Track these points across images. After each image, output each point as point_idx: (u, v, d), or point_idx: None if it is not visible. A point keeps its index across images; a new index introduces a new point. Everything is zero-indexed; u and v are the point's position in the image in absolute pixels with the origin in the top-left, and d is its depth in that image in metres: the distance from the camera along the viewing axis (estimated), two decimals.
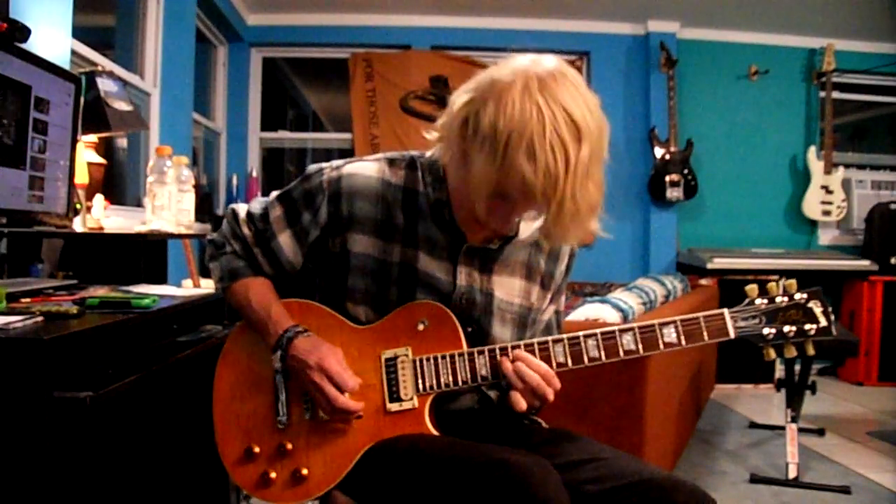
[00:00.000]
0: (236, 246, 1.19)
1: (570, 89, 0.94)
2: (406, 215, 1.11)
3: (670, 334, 1.02)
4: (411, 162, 1.14)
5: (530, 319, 1.16)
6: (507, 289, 1.14)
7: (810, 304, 1.02)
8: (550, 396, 1.03)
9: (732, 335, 1.02)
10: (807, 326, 1.01)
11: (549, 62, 0.96)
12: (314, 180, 1.13)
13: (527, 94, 0.91)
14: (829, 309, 1.02)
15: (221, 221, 1.24)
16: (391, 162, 1.14)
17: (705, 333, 1.02)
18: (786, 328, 1.02)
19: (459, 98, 0.99)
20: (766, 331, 1.02)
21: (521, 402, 1.02)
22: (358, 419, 1.06)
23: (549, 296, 1.20)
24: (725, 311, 1.02)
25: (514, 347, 1.04)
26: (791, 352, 1.03)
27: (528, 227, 1.16)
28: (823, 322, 1.01)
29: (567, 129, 0.91)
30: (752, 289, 1.04)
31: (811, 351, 1.01)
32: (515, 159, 0.90)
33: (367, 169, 1.13)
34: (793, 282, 1.02)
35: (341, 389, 1.03)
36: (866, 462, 2.77)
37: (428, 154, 1.14)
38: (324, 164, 1.15)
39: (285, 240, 1.16)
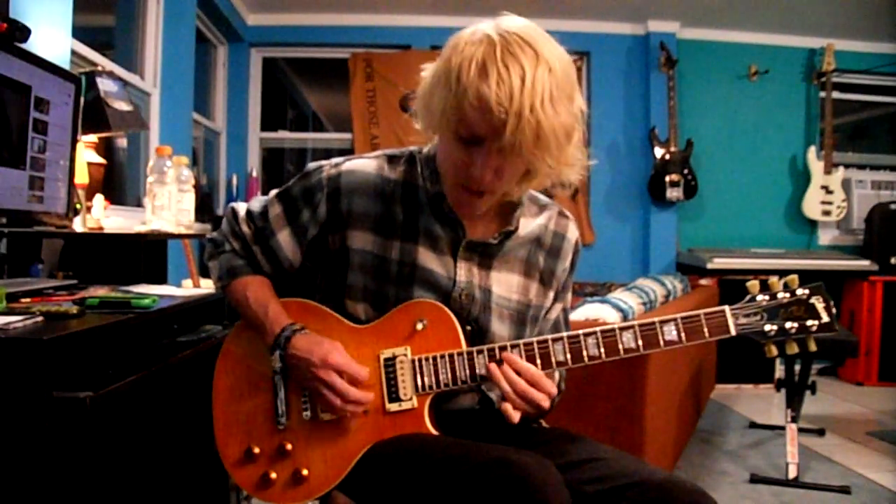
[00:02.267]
0: (235, 244, 1.19)
1: (532, 30, 0.96)
2: (406, 210, 1.11)
3: (671, 332, 1.01)
4: (410, 157, 1.15)
5: (529, 316, 1.16)
6: (506, 285, 1.14)
7: (812, 300, 1.00)
8: (544, 403, 1.01)
9: (734, 332, 1.00)
10: (809, 322, 1.00)
11: (512, 17, 0.98)
12: (313, 178, 1.14)
13: (480, 33, 0.96)
14: (832, 304, 1.00)
15: (221, 221, 1.24)
16: (390, 158, 1.15)
17: (706, 330, 1.00)
18: (787, 324, 1.00)
19: (427, 66, 1.03)
20: (767, 327, 1.01)
21: (510, 413, 1.00)
22: (364, 413, 1.06)
23: (550, 293, 1.19)
24: (726, 307, 1.01)
25: (513, 346, 1.04)
26: (793, 348, 1.02)
27: (530, 222, 1.16)
28: (825, 318, 0.99)
29: (524, 54, 0.92)
30: (753, 285, 1.02)
31: (813, 347, 1.00)
32: (467, 81, 0.92)
33: (366, 165, 1.13)
34: (794, 277, 1.01)
35: (352, 382, 1.03)
36: (866, 462, 2.77)
37: (426, 148, 1.14)
38: (323, 162, 1.16)
39: (284, 238, 1.16)
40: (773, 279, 1.02)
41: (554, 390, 1.03)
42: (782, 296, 1.01)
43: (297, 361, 1.05)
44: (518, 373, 1.01)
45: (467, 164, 0.99)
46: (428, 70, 1.03)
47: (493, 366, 1.02)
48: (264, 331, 1.09)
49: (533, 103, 0.90)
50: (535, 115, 0.90)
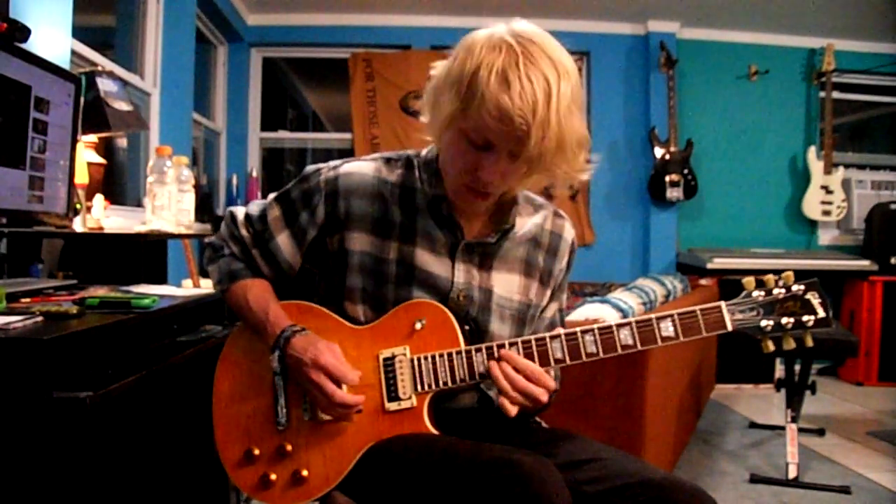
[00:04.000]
0: (235, 248, 1.20)
1: (546, 37, 0.96)
2: (403, 212, 1.12)
3: (667, 328, 1.01)
4: (408, 160, 1.15)
5: (529, 316, 1.16)
6: (506, 285, 1.14)
7: (808, 296, 1.01)
8: (542, 398, 1.01)
9: (730, 328, 1.01)
10: (805, 318, 1.00)
11: (525, 23, 0.99)
12: (311, 180, 1.14)
13: (496, 39, 0.95)
14: (827, 300, 1.01)
15: (221, 222, 1.24)
16: (388, 161, 1.16)
17: (703, 326, 1.00)
18: (783, 320, 1.01)
19: (437, 65, 1.03)
20: (763, 323, 1.01)
21: (507, 407, 1.00)
22: (358, 413, 1.06)
23: (548, 292, 1.19)
24: (722, 303, 1.01)
25: (511, 344, 1.04)
26: (790, 343, 1.02)
27: (526, 221, 1.16)
28: (821, 313, 1.00)
29: (545, 64, 0.92)
30: (749, 281, 1.03)
31: (810, 342, 1.00)
32: (486, 90, 0.92)
33: (363, 168, 1.14)
34: (790, 273, 1.01)
35: (340, 384, 1.03)
36: (866, 462, 2.77)
37: (424, 152, 1.15)
38: (321, 165, 1.16)
39: (283, 240, 1.16)
40: (769, 276, 1.02)
41: (553, 384, 1.03)
42: (778, 291, 1.02)
43: (293, 362, 1.05)
44: (516, 369, 1.01)
45: (475, 167, 1.00)
46: (438, 69, 1.03)
47: (492, 363, 1.02)
48: (265, 332, 1.09)
49: (558, 117, 0.92)
50: (560, 128, 0.92)
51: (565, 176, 1.03)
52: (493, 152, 0.98)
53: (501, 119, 0.92)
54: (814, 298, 1.01)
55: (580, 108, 0.97)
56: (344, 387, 1.04)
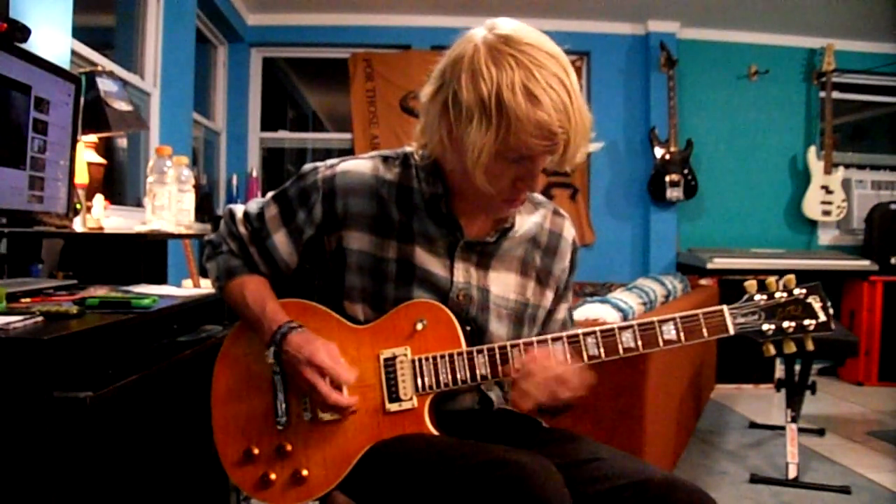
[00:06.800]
0: (233, 245, 1.20)
1: (530, 32, 0.97)
2: (401, 211, 1.12)
3: (670, 331, 1.02)
4: (405, 159, 1.15)
5: (527, 316, 1.16)
6: (503, 285, 1.14)
7: (809, 300, 1.01)
8: (563, 395, 1.00)
9: (732, 331, 1.01)
10: (806, 322, 1.01)
11: (501, 22, 0.99)
12: (309, 179, 1.14)
13: (495, 52, 0.95)
14: (828, 304, 1.01)
15: (220, 221, 1.24)
16: (385, 159, 1.15)
17: (705, 330, 1.01)
18: (785, 324, 1.01)
19: (428, 89, 1.02)
20: (765, 327, 1.02)
21: (523, 404, 1.00)
22: (353, 413, 1.06)
23: (547, 292, 1.19)
24: (725, 307, 1.01)
25: (513, 346, 1.04)
26: (790, 347, 1.02)
27: (526, 220, 1.16)
28: (822, 317, 1.00)
29: (552, 63, 0.94)
30: (750, 285, 1.03)
31: (811, 346, 1.01)
32: (518, 111, 0.91)
33: (361, 166, 1.14)
34: (791, 277, 1.02)
35: (336, 384, 1.03)
36: (866, 462, 2.77)
37: (421, 150, 1.14)
38: (318, 164, 1.16)
39: (280, 239, 1.16)
40: (771, 279, 1.02)
41: (577, 382, 1.01)
42: (780, 295, 1.02)
43: (288, 359, 1.05)
44: (539, 367, 1.00)
45: (515, 179, 1.00)
46: (432, 94, 1.01)
47: (517, 355, 1.02)
48: (262, 329, 1.09)
49: (581, 111, 0.94)
50: (584, 121, 0.95)
51: (581, 155, 1.02)
52: (534, 163, 0.98)
53: (542, 136, 0.93)
54: (815, 302, 1.01)
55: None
56: (345, 388, 1.04)
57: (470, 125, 0.95)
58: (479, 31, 0.99)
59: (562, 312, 1.22)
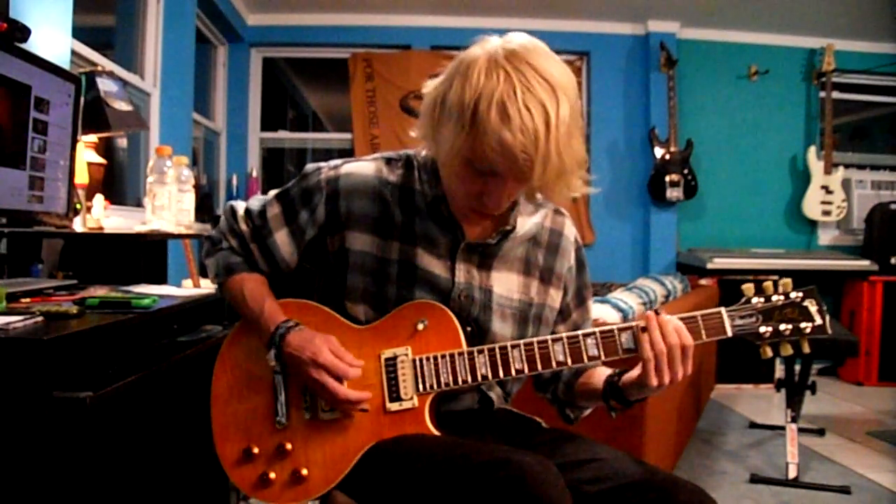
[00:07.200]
0: (233, 242, 1.20)
1: (541, 54, 0.96)
2: (404, 213, 1.12)
3: None
4: (408, 161, 1.15)
5: (532, 315, 1.16)
6: (506, 285, 1.14)
7: (805, 303, 1.03)
8: (679, 373, 1.00)
9: (730, 333, 1.02)
10: (802, 324, 1.02)
11: (518, 36, 0.98)
12: (312, 179, 1.14)
13: (492, 63, 0.94)
14: (824, 307, 1.03)
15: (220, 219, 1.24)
16: (388, 161, 1.16)
17: (703, 332, 1.02)
18: (782, 326, 1.02)
19: (431, 84, 1.02)
20: (762, 329, 1.03)
21: (649, 377, 0.99)
22: (364, 411, 1.06)
23: (551, 290, 1.19)
24: (723, 309, 1.02)
25: (513, 346, 1.04)
26: (787, 350, 1.04)
27: (526, 221, 1.16)
28: (818, 320, 1.02)
29: (542, 89, 0.92)
30: (748, 288, 1.04)
31: (807, 349, 1.02)
32: (487, 124, 0.91)
33: (364, 168, 1.14)
34: (788, 280, 1.03)
35: (342, 380, 1.03)
36: (866, 462, 2.77)
37: (424, 152, 1.15)
38: (322, 164, 1.16)
39: (281, 238, 1.16)
40: (768, 282, 1.04)
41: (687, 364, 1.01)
42: (776, 298, 1.04)
43: (291, 359, 1.05)
44: (663, 338, 1.00)
45: (481, 192, 1.01)
46: (432, 87, 1.02)
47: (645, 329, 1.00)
48: (260, 328, 1.09)
49: (558, 147, 0.92)
50: (560, 158, 0.93)
51: (562, 194, 1.03)
52: (499, 179, 0.98)
53: (504, 154, 0.92)
54: (811, 306, 1.02)
55: (579, 126, 0.98)
56: (345, 382, 1.04)
57: (448, 124, 0.97)
58: (495, 39, 0.98)
59: (587, 315, 1.24)
